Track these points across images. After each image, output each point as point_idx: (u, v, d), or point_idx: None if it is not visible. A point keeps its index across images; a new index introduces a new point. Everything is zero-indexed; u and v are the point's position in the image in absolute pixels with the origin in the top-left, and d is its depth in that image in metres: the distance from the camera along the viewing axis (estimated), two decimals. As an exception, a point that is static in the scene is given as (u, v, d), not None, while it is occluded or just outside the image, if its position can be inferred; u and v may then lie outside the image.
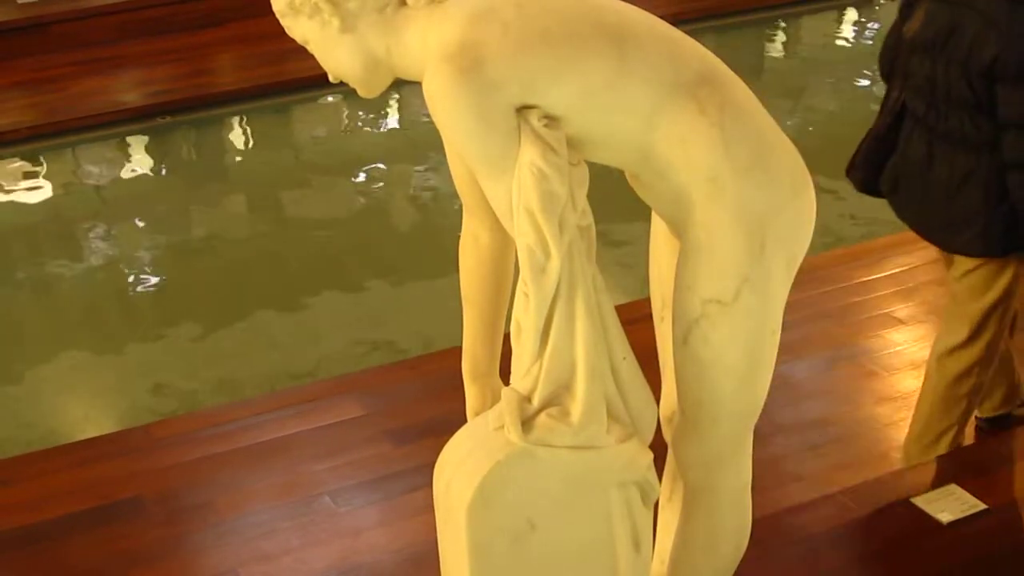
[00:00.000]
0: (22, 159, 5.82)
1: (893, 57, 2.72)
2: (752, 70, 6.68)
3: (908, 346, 3.40)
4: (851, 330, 3.51)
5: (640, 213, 2.05)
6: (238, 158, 6.18)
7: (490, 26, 1.68)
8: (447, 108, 1.66)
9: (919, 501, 2.73)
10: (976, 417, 2.98)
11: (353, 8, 1.76)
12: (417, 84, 1.76)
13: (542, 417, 1.76)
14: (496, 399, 1.97)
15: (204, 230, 5.21)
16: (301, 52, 1.95)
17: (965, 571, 2.53)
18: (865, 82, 6.77)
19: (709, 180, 1.74)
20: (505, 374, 1.90)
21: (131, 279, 4.73)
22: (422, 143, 5.75)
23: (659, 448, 1.89)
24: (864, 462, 2.89)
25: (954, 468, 2.85)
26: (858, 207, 4.85)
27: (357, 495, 2.87)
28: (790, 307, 1.91)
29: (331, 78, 1.87)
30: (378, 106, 6.28)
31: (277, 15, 1.82)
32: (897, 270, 3.85)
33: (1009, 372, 2.96)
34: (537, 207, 1.67)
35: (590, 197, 1.74)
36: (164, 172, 5.88)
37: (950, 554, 2.58)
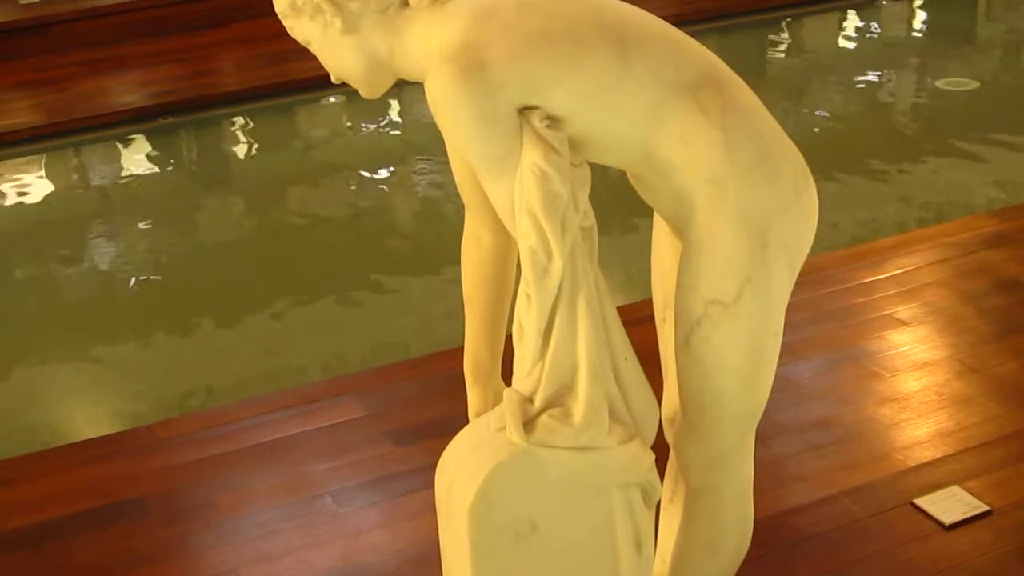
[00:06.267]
0: (24, 160, 5.82)
1: None
2: (754, 71, 6.68)
3: (910, 347, 3.40)
4: (853, 331, 3.51)
5: (642, 214, 2.05)
6: (240, 159, 6.18)
7: (492, 27, 1.68)
8: (449, 109, 1.67)
9: (921, 502, 2.73)
10: None
11: (355, 9, 1.76)
12: (419, 85, 1.76)
13: (544, 418, 1.76)
14: (498, 400, 1.97)
15: (206, 230, 5.21)
16: (303, 53, 1.95)
17: (968, 573, 2.53)
18: (867, 83, 6.77)
19: (711, 181, 1.74)
20: (507, 375, 1.90)
21: (133, 279, 4.73)
22: (424, 144, 5.75)
23: (661, 449, 1.89)
24: (866, 463, 2.89)
25: (956, 469, 2.86)
26: (859, 208, 4.86)
27: (358, 496, 2.87)
28: (792, 308, 1.91)
29: (333, 79, 1.87)
30: (380, 107, 6.29)
31: (279, 16, 1.82)
32: (899, 271, 3.85)
33: None
34: (539, 208, 1.67)
35: (592, 198, 1.74)
36: (166, 173, 5.88)
37: (952, 555, 2.58)
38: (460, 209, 2.01)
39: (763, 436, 2.11)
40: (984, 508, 2.70)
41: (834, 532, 2.66)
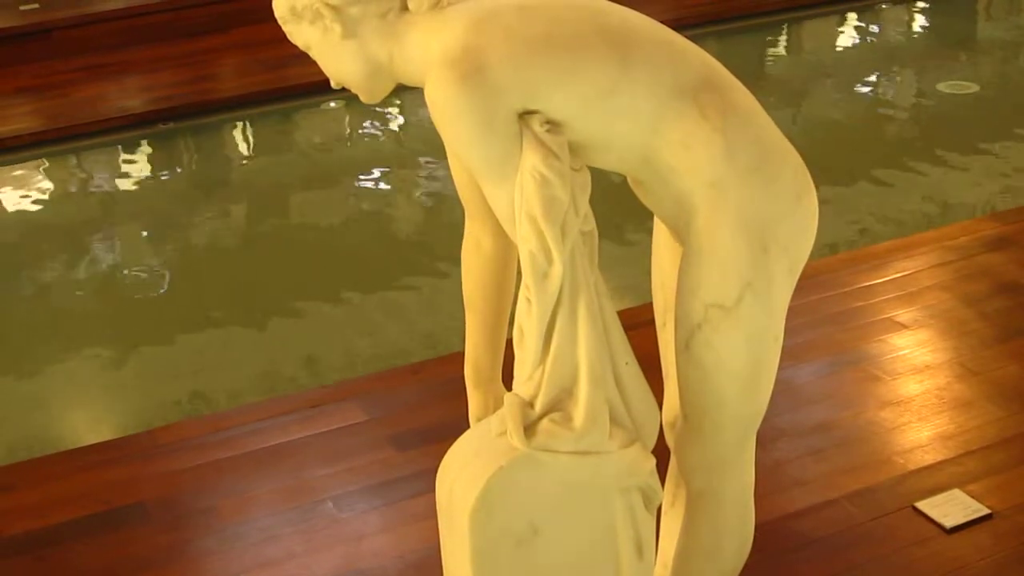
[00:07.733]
0: (24, 165, 5.83)
1: None
2: (754, 75, 6.68)
3: (911, 350, 3.40)
4: (853, 335, 3.51)
5: (642, 219, 2.05)
6: (240, 164, 6.18)
7: (492, 31, 1.68)
8: (449, 113, 1.67)
9: (923, 506, 2.73)
10: None
11: (355, 14, 1.76)
12: (418, 89, 1.76)
13: (545, 422, 1.76)
14: (499, 404, 1.97)
15: (207, 235, 5.21)
16: (303, 58, 1.95)
17: (968, 576, 2.54)
18: (867, 87, 6.77)
19: (711, 185, 1.74)
20: (507, 380, 1.90)
21: (134, 284, 4.74)
22: (424, 148, 5.75)
23: (662, 454, 1.89)
24: (867, 467, 2.89)
25: (957, 472, 2.85)
26: (860, 212, 4.86)
27: (360, 500, 2.87)
28: (792, 312, 1.91)
29: (333, 84, 1.87)
30: (380, 112, 6.29)
31: (279, 21, 1.83)
32: (899, 274, 3.85)
33: None
34: (539, 212, 1.67)
35: (592, 202, 1.74)
36: (167, 178, 5.89)
37: (954, 559, 2.58)
38: (460, 213, 2.01)
39: (764, 440, 2.11)
40: (985, 511, 2.70)
41: (835, 536, 2.66)
